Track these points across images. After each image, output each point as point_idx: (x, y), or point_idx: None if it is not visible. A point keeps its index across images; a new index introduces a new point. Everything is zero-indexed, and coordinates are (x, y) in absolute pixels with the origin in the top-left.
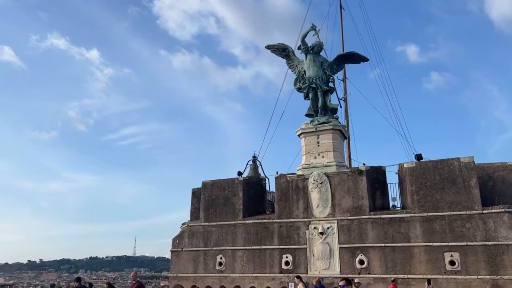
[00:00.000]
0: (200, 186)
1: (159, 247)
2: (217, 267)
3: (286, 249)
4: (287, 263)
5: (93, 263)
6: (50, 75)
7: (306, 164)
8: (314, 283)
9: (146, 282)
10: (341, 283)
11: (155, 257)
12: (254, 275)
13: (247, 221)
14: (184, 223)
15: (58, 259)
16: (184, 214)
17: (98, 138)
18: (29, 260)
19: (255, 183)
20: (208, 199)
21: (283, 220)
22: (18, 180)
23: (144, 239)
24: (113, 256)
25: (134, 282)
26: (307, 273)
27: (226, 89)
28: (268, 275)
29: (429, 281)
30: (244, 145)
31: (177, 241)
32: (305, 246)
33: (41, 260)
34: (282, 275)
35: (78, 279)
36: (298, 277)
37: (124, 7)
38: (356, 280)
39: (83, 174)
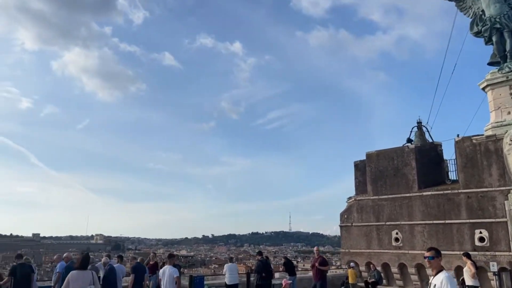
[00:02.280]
0: (360, 158)
1: (312, 223)
2: (393, 243)
3: (478, 223)
4: (481, 239)
5: (255, 238)
6: (203, 72)
7: (497, 122)
8: None
9: (304, 257)
10: (428, 254)
11: (310, 232)
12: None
13: (425, 193)
14: (350, 198)
15: (226, 234)
16: (334, 189)
17: (248, 124)
18: (203, 235)
19: (429, 150)
20: (375, 171)
21: (472, 190)
22: (189, 167)
23: (298, 215)
24: (272, 232)
25: (317, 256)
26: (510, 251)
27: (366, 59)
28: (457, 252)
29: None
30: (392, 114)
31: (345, 216)
32: (504, 219)
33: (212, 235)
34: (476, 252)
35: (260, 253)
36: (466, 254)
37: None
38: None
39: (238, 158)
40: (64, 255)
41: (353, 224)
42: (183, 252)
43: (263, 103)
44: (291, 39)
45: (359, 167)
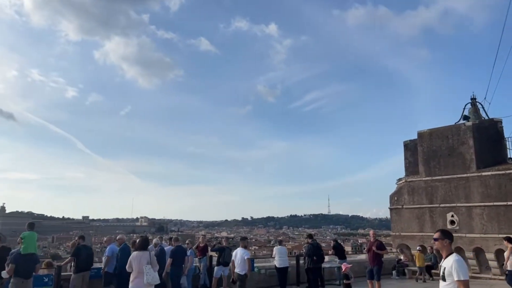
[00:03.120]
0: (406, 139)
1: (352, 206)
2: (449, 226)
3: None
4: None
5: (294, 220)
6: (239, 55)
7: None
8: None
9: (344, 239)
10: (436, 236)
11: (350, 215)
12: (501, 235)
13: (484, 173)
14: (400, 179)
15: (265, 216)
16: (374, 172)
17: (285, 107)
18: (243, 218)
19: (488, 127)
20: (428, 151)
21: None
22: (227, 151)
23: (337, 198)
24: (311, 214)
25: (373, 240)
26: None
27: (408, 36)
28: None
29: None
30: (437, 92)
31: (396, 198)
32: None
33: (251, 217)
34: None
35: (311, 236)
36: (508, 238)
37: None
38: None
39: (275, 141)
40: (118, 237)
41: (404, 206)
42: (224, 234)
43: (300, 85)
44: (328, 18)
45: (409, 147)
